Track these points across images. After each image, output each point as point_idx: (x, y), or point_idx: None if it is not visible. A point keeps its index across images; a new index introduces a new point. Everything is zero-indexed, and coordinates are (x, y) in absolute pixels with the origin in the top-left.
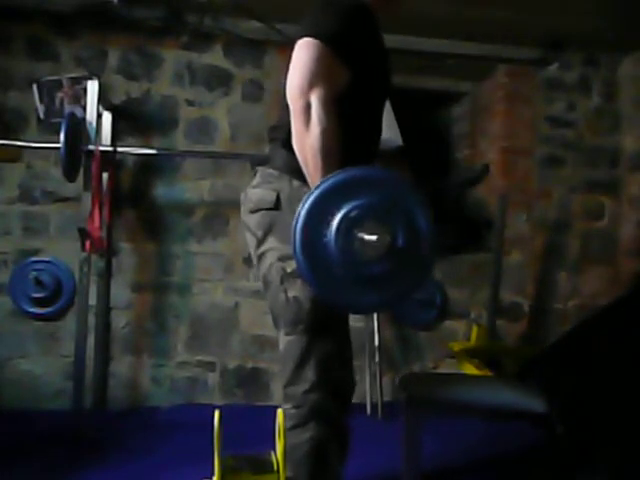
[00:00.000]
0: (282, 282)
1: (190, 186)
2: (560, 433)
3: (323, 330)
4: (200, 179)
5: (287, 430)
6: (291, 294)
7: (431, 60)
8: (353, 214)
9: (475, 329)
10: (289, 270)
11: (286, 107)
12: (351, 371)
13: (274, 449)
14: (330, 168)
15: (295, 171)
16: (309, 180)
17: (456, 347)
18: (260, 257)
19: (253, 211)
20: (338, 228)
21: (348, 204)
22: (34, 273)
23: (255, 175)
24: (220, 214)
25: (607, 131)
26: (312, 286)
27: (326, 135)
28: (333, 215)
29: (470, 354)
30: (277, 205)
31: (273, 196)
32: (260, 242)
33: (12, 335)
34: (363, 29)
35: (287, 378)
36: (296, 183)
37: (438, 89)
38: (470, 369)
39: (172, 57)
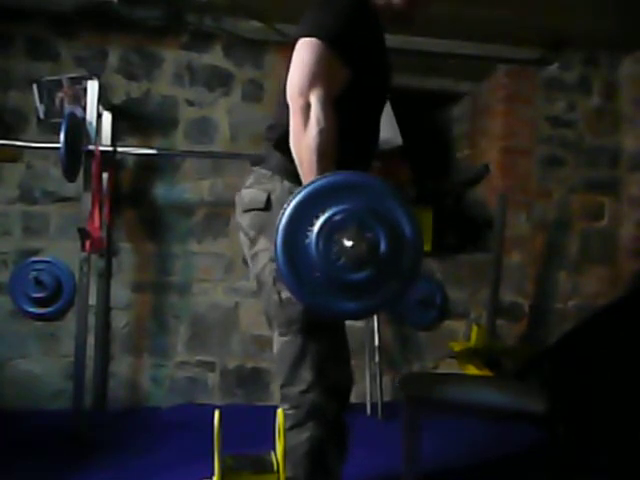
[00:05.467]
0: (275, 283)
1: (190, 186)
2: (560, 433)
3: (318, 330)
4: (200, 179)
5: (286, 430)
6: (285, 295)
7: (431, 60)
8: (336, 218)
9: (475, 329)
10: None
11: (282, 106)
12: (348, 369)
13: (274, 449)
14: (324, 169)
15: (287, 172)
16: (303, 180)
17: (456, 347)
18: (253, 257)
19: (245, 211)
20: (320, 231)
21: (332, 208)
22: (34, 273)
23: (250, 175)
24: (220, 214)
25: (607, 131)
26: (290, 287)
27: (323, 136)
28: (317, 217)
29: (470, 354)
30: (268, 206)
31: (264, 197)
32: (253, 242)
33: (12, 335)
34: (364, 27)
35: (283, 379)
36: (287, 184)
37: (438, 89)
38: (470, 369)
39: (172, 57)
